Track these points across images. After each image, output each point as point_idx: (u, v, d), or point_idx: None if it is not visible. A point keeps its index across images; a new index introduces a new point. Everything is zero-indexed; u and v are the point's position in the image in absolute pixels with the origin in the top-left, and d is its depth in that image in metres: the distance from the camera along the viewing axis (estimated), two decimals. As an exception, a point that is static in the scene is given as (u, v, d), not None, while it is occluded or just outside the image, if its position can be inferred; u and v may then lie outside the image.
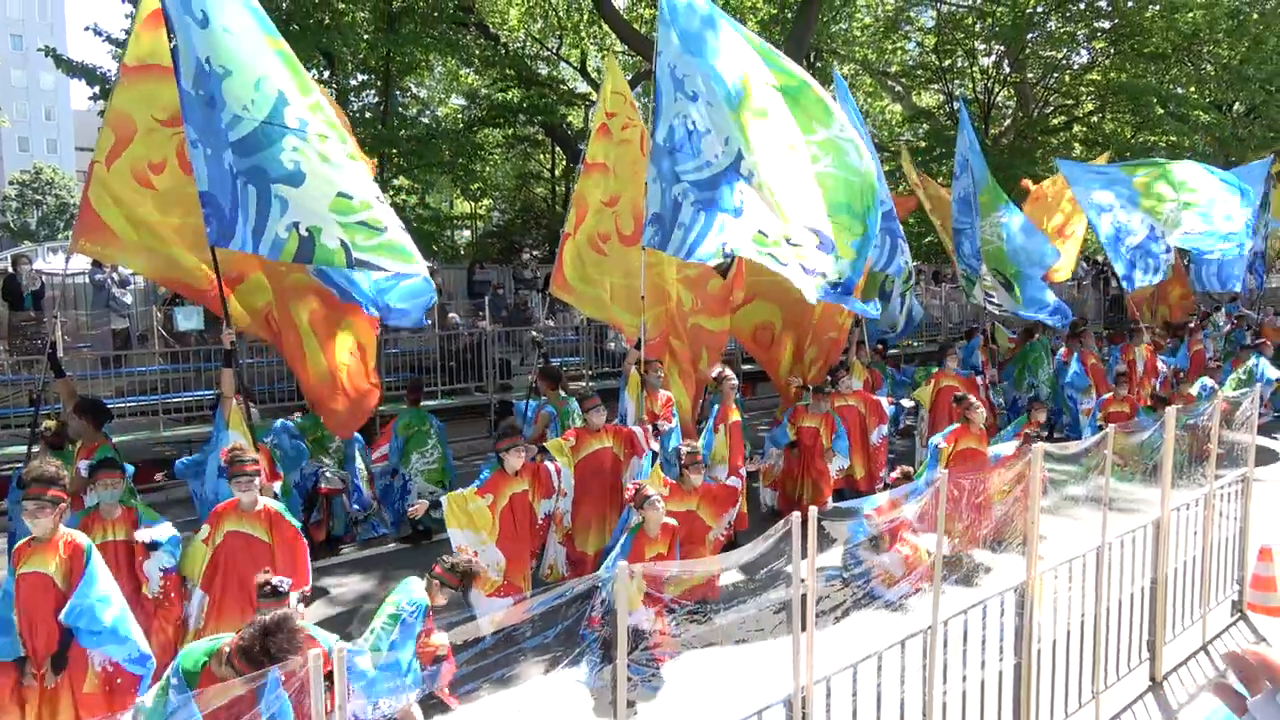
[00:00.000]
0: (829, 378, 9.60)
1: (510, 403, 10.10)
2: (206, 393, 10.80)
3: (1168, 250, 13.22)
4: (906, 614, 5.83)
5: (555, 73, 27.40)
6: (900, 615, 6.03)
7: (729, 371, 8.94)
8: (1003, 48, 25.28)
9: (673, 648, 5.98)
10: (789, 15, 21.47)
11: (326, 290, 7.23)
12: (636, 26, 20.87)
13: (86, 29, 14.52)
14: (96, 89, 13.62)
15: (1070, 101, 27.23)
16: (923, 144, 26.58)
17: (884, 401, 9.92)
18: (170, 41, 5.68)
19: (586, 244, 8.82)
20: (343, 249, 5.66)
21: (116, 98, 6.33)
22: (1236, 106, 28.09)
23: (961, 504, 6.53)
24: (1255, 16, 23.75)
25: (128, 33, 8.94)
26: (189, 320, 11.98)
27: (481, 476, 6.57)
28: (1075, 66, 26.50)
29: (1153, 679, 5.74)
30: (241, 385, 6.63)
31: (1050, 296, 11.65)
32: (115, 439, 6.79)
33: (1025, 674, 4.72)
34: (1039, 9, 23.51)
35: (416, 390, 9.19)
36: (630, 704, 5.40)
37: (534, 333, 12.90)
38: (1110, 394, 11.18)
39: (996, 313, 12.72)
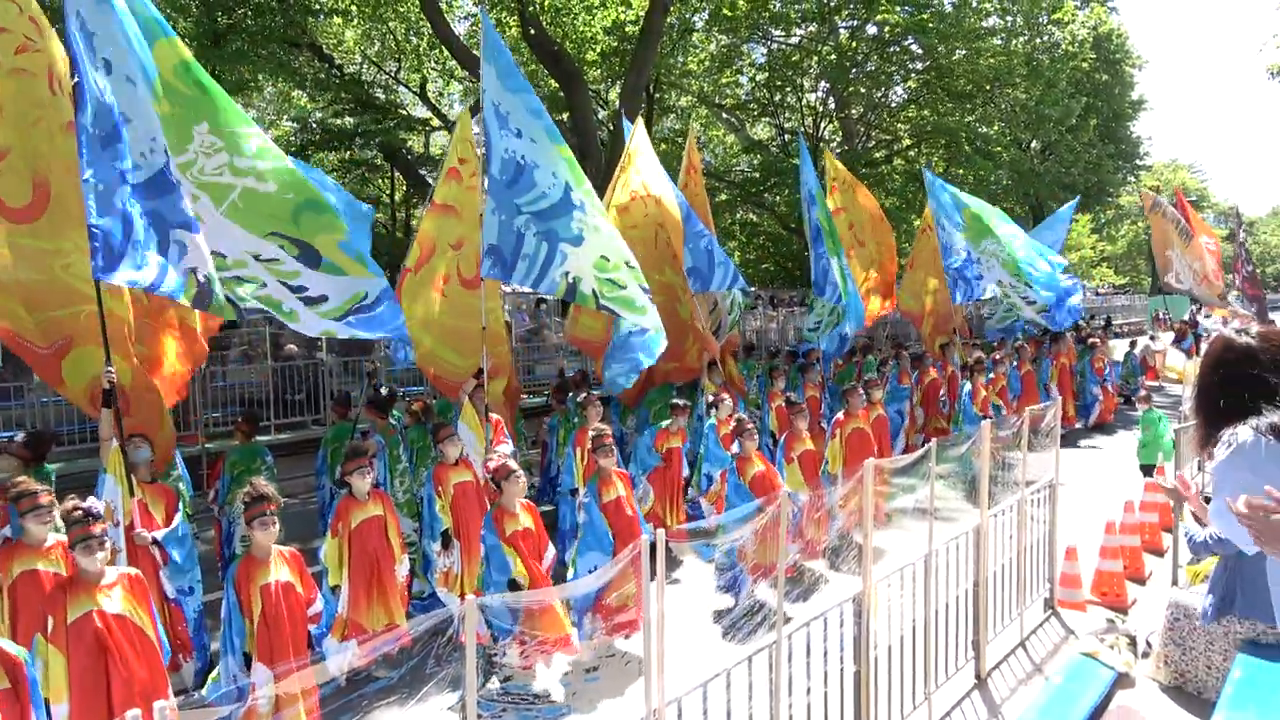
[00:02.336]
0: (709, 405, 9.81)
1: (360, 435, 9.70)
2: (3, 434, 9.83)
3: (979, 278, 14.48)
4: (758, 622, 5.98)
5: (394, 97, 26.87)
6: (746, 635, 6.17)
7: (594, 395, 8.95)
8: (828, 85, 26.79)
9: (523, 677, 5.90)
10: (629, 48, 21.95)
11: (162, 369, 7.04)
12: (478, 53, 20.86)
13: None
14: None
15: (889, 136, 29.11)
16: (756, 174, 27.68)
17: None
18: (73, 79, 5.42)
19: (428, 283, 8.82)
20: (230, 302, 5.84)
21: None
22: (1034, 145, 30.84)
23: (801, 521, 6.78)
24: (1047, 61, 26.21)
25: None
26: (-19, 354, 10.88)
27: (329, 513, 6.23)
28: (893, 104, 28.39)
29: (978, 677, 6.11)
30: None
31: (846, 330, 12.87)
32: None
33: (864, 681, 4.92)
34: (861, 49, 25.09)
35: (250, 424, 8.57)
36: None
37: (367, 362, 12.51)
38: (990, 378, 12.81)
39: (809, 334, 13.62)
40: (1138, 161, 40.17)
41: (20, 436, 6.61)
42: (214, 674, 5.01)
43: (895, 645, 5.23)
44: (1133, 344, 20.28)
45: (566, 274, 7.51)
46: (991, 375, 13.43)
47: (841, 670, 4.75)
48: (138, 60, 5.59)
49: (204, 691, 5.07)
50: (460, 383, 8.57)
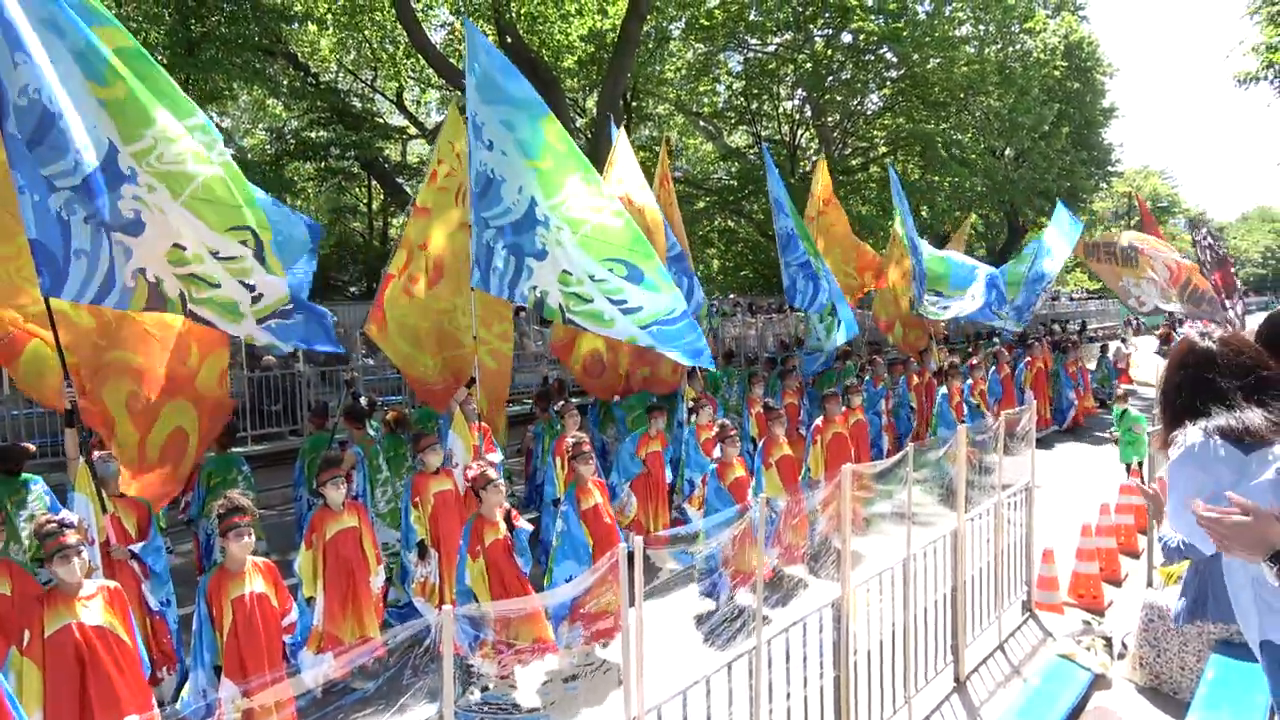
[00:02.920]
0: (690, 411, 9.81)
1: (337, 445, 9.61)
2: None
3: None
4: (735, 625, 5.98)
5: (371, 105, 26.77)
6: (726, 641, 6.17)
7: (572, 403, 8.96)
8: (804, 93, 26.96)
9: (502, 687, 5.87)
10: (605, 56, 22.00)
11: (152, 371, 6.76)
12: (454, 61, 20.83)
13: None
14: None
15: (865, 144, 29.32)
16: (734, 182, 27.79)
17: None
18: None
19: (403, 287, 8.81)
20: (179, 299, 5.66)
21: None
22: (1008, 152, 31.16)
23: (779, 527, 6.79)
24: (1020, 69, 26.52)
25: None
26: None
27: (304, 524, 6.18)
28: (869, 112, 28.60)
29: (957, 680, 6.14)
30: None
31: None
32: None
33: (844, 685, 4.93)
34: (836, 57, 25.27)
35: (226, 435, 8.36)
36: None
37: (345, 372, 12.41)
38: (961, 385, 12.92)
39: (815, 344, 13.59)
40: (1110, 168, 40.67)
41: None
42: (185, 688, 4.94)
43: (875, 649, 5.24)
44: (1104, 348, 20.47)
45: (534, 288, 7.54)
46: (970, 380, 13.52)
47: (821, 675, 4.76)
48: (73, 43, 5.26)
49: (178, 705, 5.01)
50: (441, 389, 8.52)
